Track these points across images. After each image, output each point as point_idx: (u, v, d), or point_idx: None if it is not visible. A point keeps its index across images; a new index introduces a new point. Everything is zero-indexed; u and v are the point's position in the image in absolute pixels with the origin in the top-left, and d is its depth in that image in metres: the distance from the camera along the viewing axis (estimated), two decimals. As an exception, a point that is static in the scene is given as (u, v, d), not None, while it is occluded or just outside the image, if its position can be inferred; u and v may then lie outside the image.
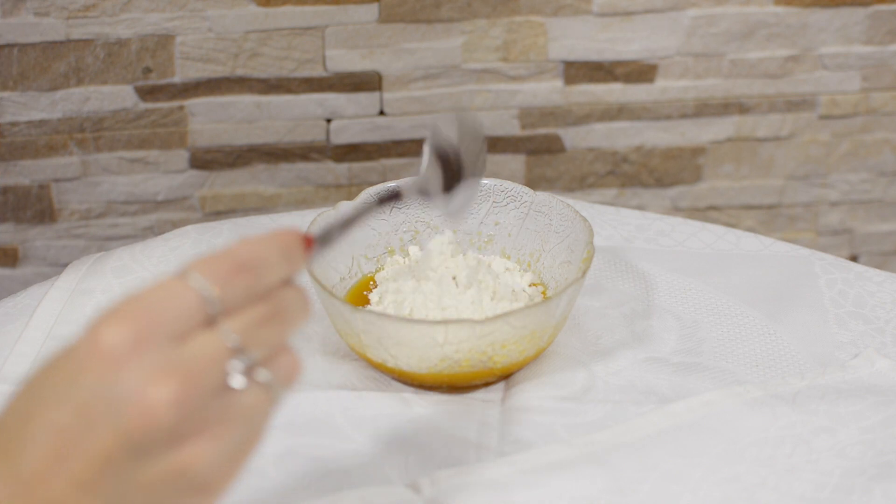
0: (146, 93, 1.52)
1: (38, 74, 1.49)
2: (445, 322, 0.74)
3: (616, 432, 0.74)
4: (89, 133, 1.53)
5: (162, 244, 0.95)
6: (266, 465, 0.72)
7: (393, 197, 0.67)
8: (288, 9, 1.49)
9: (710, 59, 1.56)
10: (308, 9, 1.49)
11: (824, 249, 1.68)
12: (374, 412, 0.76)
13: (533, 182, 1.62)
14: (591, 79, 1.57)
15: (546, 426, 0.75)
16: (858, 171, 1.65)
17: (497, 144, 1.60)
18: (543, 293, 0.86)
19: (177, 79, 1.51)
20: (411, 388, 0.79)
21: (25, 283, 1.59)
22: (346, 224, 0.61)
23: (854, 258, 1.71)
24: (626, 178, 1.64)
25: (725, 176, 1.65)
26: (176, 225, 1.59)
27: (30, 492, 0.45)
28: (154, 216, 1.60)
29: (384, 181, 0.90)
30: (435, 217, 0.90)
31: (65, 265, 1.52)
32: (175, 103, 1.53)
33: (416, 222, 0.90)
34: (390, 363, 0.77)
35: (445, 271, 0.81)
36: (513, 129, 1.59)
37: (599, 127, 1.60)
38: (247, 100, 1.53)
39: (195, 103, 1.53)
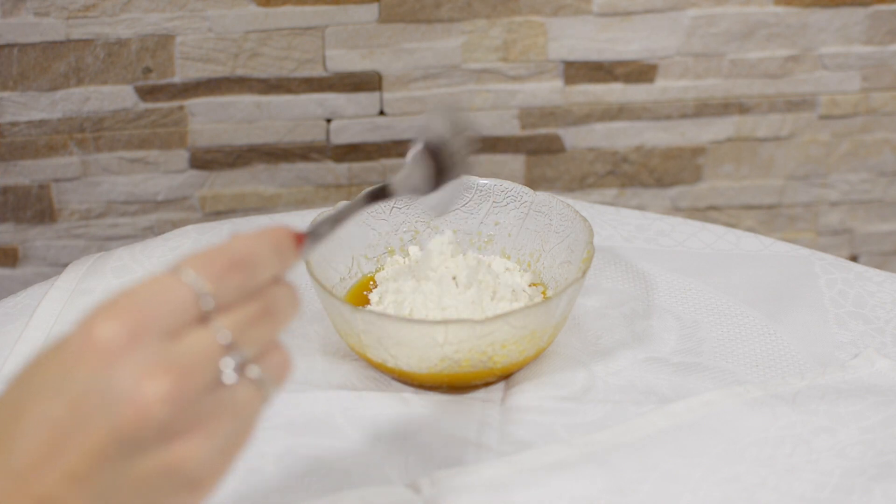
0: (146, 93, 1.52)
1: (38, 74, 1.49)
2: (445, 322, 0.74)
3: (616, 432, 0.74)
4: (89, 133, 1.53)
5: (162, 244, 0.95)
6: (266, 464, 0.72)
7: (382, 194, 0.67)
8: (288, 9, 1.49)
9: (710, 59, 1.56)
10: (308, 9, 1.49)
11: (824, 249, 1.68)
12: (374, 412, 0.76)
13: (533, 182, 1.62)
14: (591, 79, 1.57)
15: (546, 426, 0.75)
16: (858, 171, 1.66)
17: (497, 144, 1.60)
18: (543, 293, 0.86)
19: (177, 79, 1.51)
20: (411, 388, 0.79)
21: (25, 283, 1.59)
22: (337, 220, 0.61)
23: (854, 258, 1.71)
24: (626, 178, 1.64)
25: (725, 176, 1.65)
26: (176, 225, 1.59)
27: (22, 484, 0.45)
28: (154, 216, 1.60)
29: (384, 181, 0.90)
30: (435, 217, 0.90)
31: (65, 265, 1.52)
32: (175, 103, 1.53)
33: (416, 222, 0.90)
34: (390, 363, 0.77)
35: (445, 271, 0.81)
36: (513, 129, 1.59)
37: (599, 127, 1.60)
38: (247, 100, 1.53)
39: (195, 103, 1.53)
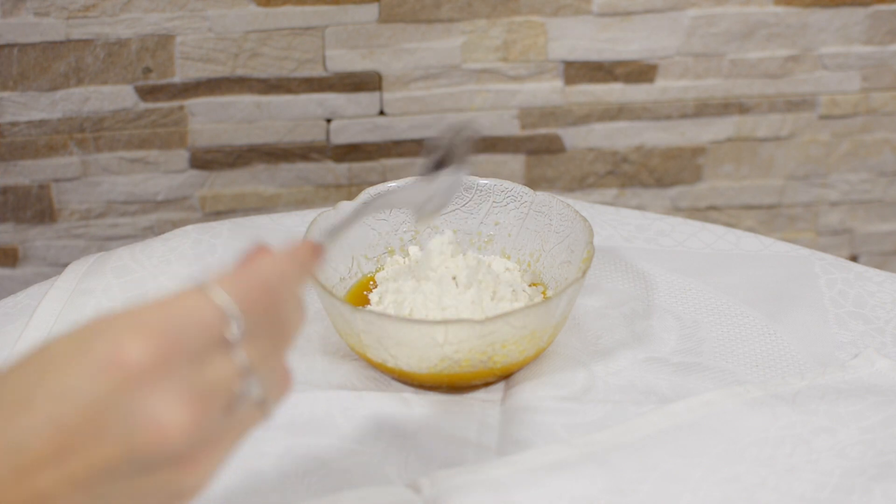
0: (146, 93, 1.52)
1: (38, 74, 1.49)
2: (445, 322, 0.74)
3: (616, 432, 0.74)
4: (89, 133, 1.53)
5: (162, 244, 0.95)
6: (266, 464, 0.72)
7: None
8: (288, 9, 1.49)
9: (710, 59, 1.56)
10: (308, 9, 1.49)
11: (824, 249, 1.68)
12: (374, 412, 0.76)
13: (533, 182, 1.62)
14: (591, 79, 1.57)
15: (546, 426, 0.75)
16: (858, 171, 1.66)
17: (497, 144, 1.60)
18: (543, 293, 0.86)
19: (177, 79, 1.51)
20: (411, 388, 0.79)
21: (25, 283, 1.59)
22: (345, 225, 0.61)
23: (854, 258, 1.71)
24: (626, 178, 1.64)
25: (725, 176, 1.65)
26: (176, 225, 1.59)
27: (21, 477, 0.45)
28: (154, 216, 1.60)
29: (384, 181, 0.91)
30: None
31: (65, 265, 1.52)
32: (175, 103, 1.53)
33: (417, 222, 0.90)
34: (390, 363, 0.77)
35: (445, 271, 0.81)
36: (513, 129, 1.59)
37: (599, 127, 1.60)
38: (247, 100, 1.53)
39: (195, 103, 1.53)
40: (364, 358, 0.79)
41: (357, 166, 1.59)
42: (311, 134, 1.57)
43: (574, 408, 0.77)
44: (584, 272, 0.79)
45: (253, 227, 0.98)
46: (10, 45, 1.47)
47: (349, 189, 1.60)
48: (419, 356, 0.76)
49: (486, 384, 0.80)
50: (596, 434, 0.73)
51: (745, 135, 1.62)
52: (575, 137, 1.60)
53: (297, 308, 0.52)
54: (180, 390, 0.46)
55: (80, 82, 1.50)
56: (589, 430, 0.74)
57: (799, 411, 0.75)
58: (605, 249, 0.94)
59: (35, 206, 1.57)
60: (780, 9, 1.53)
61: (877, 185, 1.67)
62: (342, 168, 1.59)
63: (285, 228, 0.98)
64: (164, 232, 1.12)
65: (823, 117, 1.61)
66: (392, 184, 0.89)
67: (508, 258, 0.90)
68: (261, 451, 0.73)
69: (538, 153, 1.61)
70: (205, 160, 1.57)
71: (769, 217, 1.68)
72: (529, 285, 0.86)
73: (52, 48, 1.48)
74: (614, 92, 1.58)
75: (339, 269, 0.86)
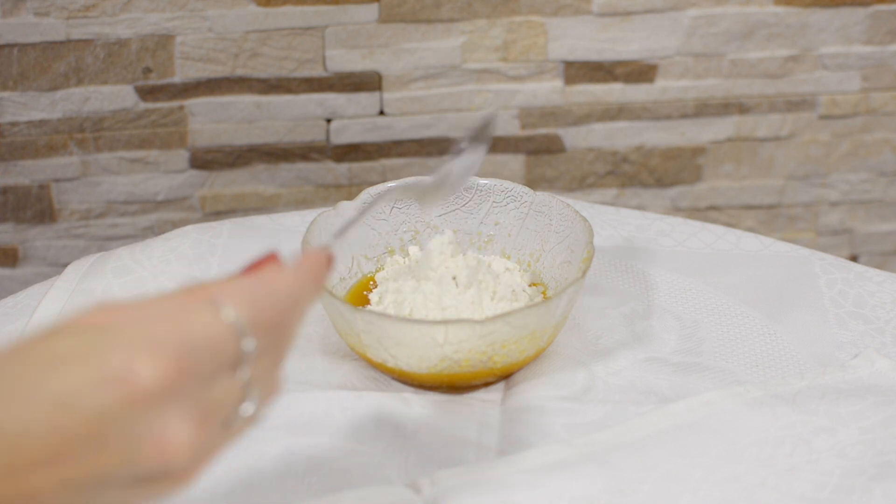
0: (146, 93, 1.52)
1: (38, 74, 1.49)
2: (445, 322, 0.74)
3: (616, 432, 0.74)
4: (89, 133, 1.53)
5: (162, 244, 0.95)
6: (266, 464, 0.72)
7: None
8: (288, 9, 1.49)
9: (710, 59, 1.56)
10: (308, 9, 1.49)
11: (824, 249, 1.68)
12: (374, 412, 0.76)
13: (533, 182, 1.62)
14: (591, 79, 1.57)
15: (546, 426, 0.75)
16: (858, 171, 1.66)
17: (497, 144, 1.60)
18: (543, 293, 0.86)
19: (177, 79, 1.51)
20: (411, 388, 0.79)
21: (25, 283, 1.59)
22: (349, 226, 0.61)
23: (854, 258, 1.71)
24: (626, 178, 1.64)
25: (725, 176, 1.65)
26: (176, 225, 1.59)
27: (14, 475, 0.45)
28: (154, 216, 1.60)
29: (384, 181, 0.90)
30: (435, 217, 0.90)
31: (65, 265, 1.52)
32: (175, 103, 1.53)
33: (416, 222, 0.90)
34: (390, 363, 0.77)
35: (445, 271, 0.81)
36: (513, 129, 1.59)
37: (599, 127, 1.60)
38: (247, 100, 1.53)
39: (195, 103, 1.53)
40: (364, 358, 0.79)
41: (357, 166, 1.59)
42: (311, 134, 1.57)
43: (574, 408, 0.77)
44: (584, 272, 0.79)
45: (253, 227, 0.98)
46: (10, 45, 1.47)
47: (349, 189, 1.60)
48: (419, 356, 0.76)
49: (486, 384, 0.80)
50: (596, 434, 0.73)
51: (745, 135, 1.62)
52: (575, 137, 1.60)
53: (301, 324, 0.52)
54: (187, 411, 0.47)
55: (80, 82, 1.50)
56: (589, 430, 0.74)
57: (799, 411, 0.75)
58: (605, 249, 0.94)
59: (35, 206, 1.57)
60: (780, 9, 1.53)
61: (877, 185, 1.67)
62: (342, 168, 1.59)
63: (285, 228, 0.98)
64: (164, 232, 1.12)
65: (823, 117, 1.61)
66: (391, 184, 0.89)
67: (508, 258, 0.90)
68: (261, 451, 0.73)
69: (538, 153, 1.61)
70: (205, 160, 1.57)
71: (769, 217, 1.68)
72: (529, 285, 0.86)
73: (52, 48, 1.48)
74: (614, 92, 1.58)
75: (339, 269, 0.86)
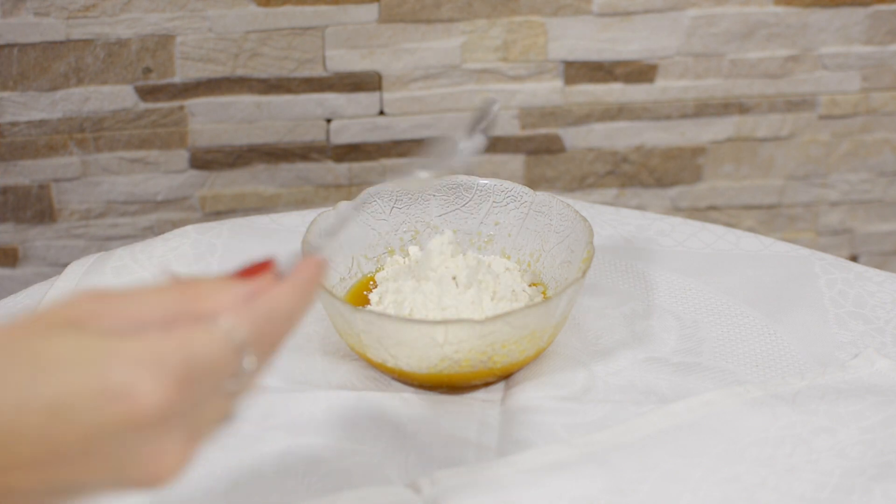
0: (146, 93, 1.52)
1: (38, 74, 1.49)
2: (445, 322, 0.74)
3: (616, 432, 0.74)
4: (89, 133, 1.53)
5: (162, 244, 0.95)
6: (266, 464, 0.72)
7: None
8: (288, 9, 1.49)
9: (710, 59, 1.56)
10: (308, 9, 1.49)
11: (824, 249, 1.68)
12: (374, 412, 0.76)
13: (533, 182, 1.62)
14: (591, 79, 1.57)
15: (546, 426, 0.75)
16: (858, 171, 1.66)
17: (497, 144, 1.60)
18: (543, 293, 0.86)
19: (177, 79, 1.51)
20: (411, 388, 0.79)
21: (25, 283, 1.59)
22: (340, 228, 0.61)
23: (854, 258, 1.71)
24: (626, 178, 1.64)
25: (725, 176, 1.65)
26: (176, 225, 1.59)
27: None
28: (154, 216, 1.60)
29: (384, 181, 0.90)
30: (435, 217, 0.90)
31: (65, 265, 1.52)
32: (175, 103, 1.53)
33: (416, 222, 0.90)
34: (390, 363, 0.77)
35: (445, 271, 0.81)
36: (513, 129, 1.59)
37: (599, 127, 1.60)
38: (247, 100, 1.53)
39: (195, 103, 1.53)
40: (364, 358, 0.79)
41: (357, 166, 1.59)
42: (311, 134, 1.57)
43: (574, 408, 0.77)
44: (584, 272, 0.79)
45: (253, 227, 0.98)
46: (10, 45, 1.47)
47: (349, 189, 1.60)
48: (419, 356, 0.76)
49: (486, 384, 0.80)
50: (596, 434, 0.73)
51: (745, 135, 1.62)
52: (575, 137, 1.60)
53: (293, 333, 0.52)
54: (181, 431, 0.47)
55: (80, 82, 1.50)
56: (589, 430, 0.74)
57: (799, 411, 0.75)
58: (605, 249, 0.94)
59: (35, 206, 1.57)
60: (780, 9, 1.53)
61: (877, 185, 1.67)
62: (342, 168, 1.59)
63: (285, 228, 0.98)
64: (164, 232, 1.12)
65: (823, 117, 1.61)
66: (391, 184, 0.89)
67: (508, 258, 0.90)
68: (261, 451, 0.73)
69: (538, 153, 1.61)
70: (205, 160, 1.57)
71: (769, 217, 1.68)
72: (529, 285, 0.86)
73: (52, 48, 1.48)
74: (614, 92, 1.58)
75: (339, 269, 0.86)
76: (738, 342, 0.84)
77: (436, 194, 0.90)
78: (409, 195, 0.90)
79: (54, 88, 1.50)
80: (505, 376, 0.80)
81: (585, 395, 0.78)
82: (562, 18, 1.52)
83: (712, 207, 1.67)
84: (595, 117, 1.59)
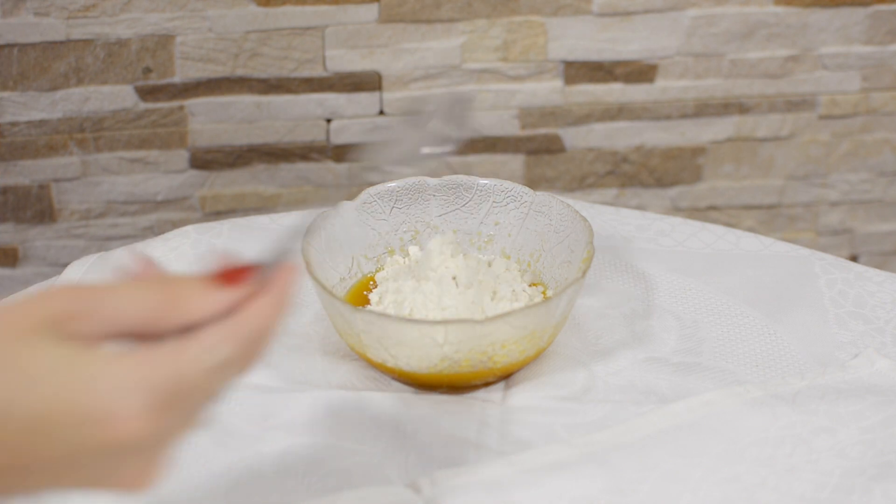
0: (146, 93, 1.52)
1: (38, 74, 1.49)
2: (445, 322, 0.74)
3: (616, 432, 0.74)
4: (89, 133, 1.53)
5: (162, 244, 0.95)
6: (266, 465, 0.72)
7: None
8: (288, 9, 1.49)
9: (710, 59, 1.56)
10: (308, 9, 1.49)
11: (824, 249, 1.68)
12: (374, 412, 0.76)
13: (533, 182, 1.62)
14: (591, 79, 1.57)
15: (546, 426, 0.75)
16: (858, 171, 1.66)
17: (497, 144, 1.60)
18: (543, 293, 0.86)
19: (177, 79, 1.51)
20: (411, 388, 0.79)
21: (25, 283, 1.59)
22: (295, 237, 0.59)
23: (854, 258, 1.71)
24: (626, 178, 1.64)
25: (725, 176, 1.65)
26: (176, 225, 1.59)
27: None
28: (154, 216, 1.60)
29: (384, 181, 0.91)
30: (435, 217, 0.90)
31: (65, 265, 1.52)
32: (175, 103, 1.53)
33: (416, 222, 0.90)
34: (390, 363, 0.77)
35: (445, 271, 0.81)
36: (513, 129, 1.59)
37: (599, 127, 1.60)
38: (247, 100, 1.53)
39: (195, 103, 1.53)
40: (364, 358, 0.79)
41: (357, 166, 1.59)
42: (311, 134, 1.57)
43: (574, 408, 0.77)
44: (584, 272, 0.79)
45: (253, 227, 0.98)
46: (10, 45, 1.47)
47: (349, 189, 1.60)
48: (419, 356, 0.76)
49: (486, 384, 0.80)
50: (596, 434, 0.73)
51: (745, 135, 1.62)
52: (575, 137, 1.60)
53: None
54: (160, 451, 0.47)
55: (80, 82, 1.50)
56: (589, 430, 0.74)
57: (799, 411, 0.75)
58: (605, 249, 0.94)
59: (35, 206, 1.57)
60: (780, 9, 1.53)
61: (877, 185, 1.67)
62: (342, 168, 1.59)
63: (285, 228, 0.98)
64: (164, 232, 1.12)
65: (823, 117, 1.61)
66: (392, 184, 0.89)
67: (508, 258, 0.90)
68: (261, 451, 0.73)
69: (538, 153, 1.61)
70: (205, 160, 1.57)
71: (769, 217, 1.68)
72: (529, 285, 0.86)
73: (52, 48, 1.48)
74: (614, 92, 1.58)
75: (339, 269, 0.86)
76: (738, 342, 0.84)
77: (436, 194, 0.90)
78: (410, 195, 0.90)
79: (54, 88, 1.50)
80: (505, 376, 0.80)
81: (585, 395, 0.78)
82: (562, 18, 1.52)
83: (712, 207, 1.67)
84: (595, 117, 1.59)
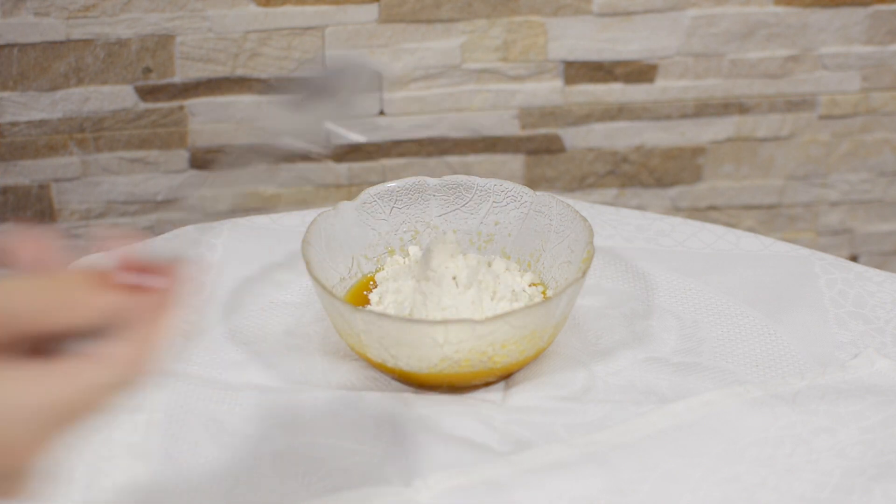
0: (146, 93, 1.52)
1: (38, 74, 1.49)
2: (445, 322, 0.74)
3: (616, 432, 0.74)
4: (89, 133, 1.53)
5: (162, 244, 0.95)
6: (265, 464, 0.72)
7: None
8: (288, 9, 1.49)
9: (710, 59, 1.56)
10: (308, 9, 1.49)
11: (824, 249, 1.68)
12: (374, 412, 0.76)
13: (533, 182, 1.62)
14: (591, 79, 1.57)
15: (546, 426, 0.75)
16: (858, 171, 1.66)
17: (497, 144, 1.60)
18: (543, 293, 0.86)
19: (177, 79, 1.51)
20: (411, 388, 0.79)
21: (25, 283, 1.59)
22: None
23: (854, 258, 1.71)
24: (626, 178, 1.64)
25: (725, 176, 1.65)
26: (176, 225, 1.59)
27: None
28: (154, 216, 1.60)
29: (384, 181, 0.91)
30: (435, 217, 0.90)
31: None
32: (175, 103, 1.53)
33: (416, 222, 0.90)
34: (390, 363, 0.77)
35: (445, 271, 0.81)
36: (513, 129, 1.59)
37: (599, 127, 1.60)
38: (247, 100, 1.53)
39: (195, 103, 1.53)
40: (364, 358, 0.79)
41: (357, 166, 1.59)
42: (311, 134, 1.57)
43: (574, 408, 0.77)
44: (584, 272, 0.79)
45: (253, 227, 0.98)
46: (10, 45, 1.47)
47: (349, 189, 1.60)
48: (419, 356, 0.76)
49: (486, 384, 0.80)
50: (596, 434, 0.73)
51: (745, 135, 1.62)
52: (575, 137, 1.60)
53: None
54: (38, 463, 0.46)
55: (80, 82, 1.50)
56: (589, 430, 0.74)
57: (799, 411, 0.75)
58: (605, 249, 0.94)
59: (35, 206, 1.57)
60: (780, 9, 1.53)
61: (877, 185, 1.67)
62: (342, 168, 1.59)
63: (285, 228, 0.98)
64: (164, 232, 1.12)
65: (823, 117, 1.61)
66: (392, 184, 0.89)
67: (508, 258, 0.90)
68: (260, 450, 0.73)
69: (538, 153, 1.61)
70: (205, 160, 1.57)
71: (769, 217, 1.68)
72: (529, 285, 0.86)
73: (52, 48, 1.48)
74: (614, 92, 1.58)
75: (339, 269, 0.86)
76: (738, 342, 0.84)
77: (436, 194, 0.90)
78: (410, 195, 0.90)
79: (54, 88, 1.50)
80: (505, 376, 0.80)
81: (585, 395, 0.78)
82: (562, 18, 1.52)
83: (712, 207, 1.67)
84: (595, 117, 1.59)
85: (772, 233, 1.68)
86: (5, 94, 1.49)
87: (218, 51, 1.50)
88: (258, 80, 1.52)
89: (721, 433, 0.73)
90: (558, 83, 1.56)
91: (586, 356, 0.82)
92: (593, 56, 1.55)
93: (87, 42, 1.48)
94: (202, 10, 1.47)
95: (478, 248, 0.90)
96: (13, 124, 1.51)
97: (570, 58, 1.55)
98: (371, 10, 1.49)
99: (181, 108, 1.53)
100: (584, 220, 0.84)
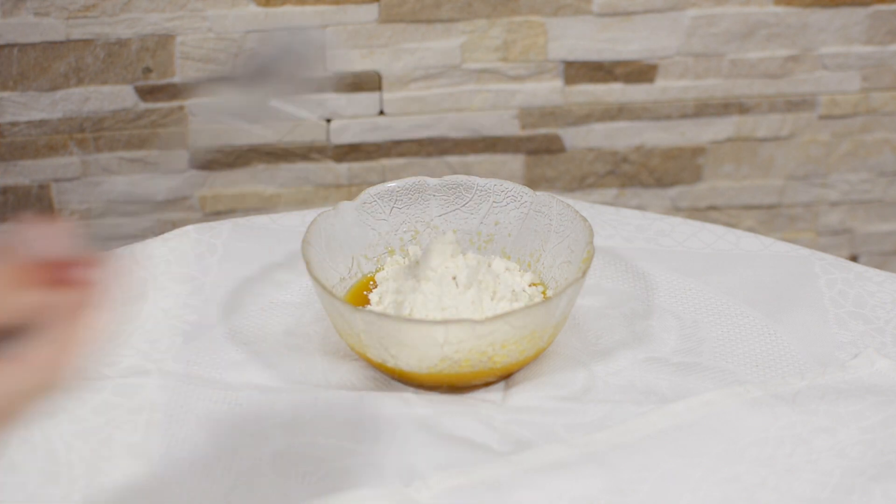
0: (146, 93, 1.52)
1: (38, 74, 1.49)
2: (445, 322, 0.74)
3: (616, 432, 0.74)
4: (89, 133, 1.53)
5: (162, 244, 0.95)
6: (265, 464, 0.72)
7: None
8: (288, 9, 1.49)
9: (710, 59, 1.56)
10: (308, 9, 1.49)
11: (824, 249, 1.68)
12: (374, 412, 0.76)
13: (533, 182, 1.62)
14: (591, 79, 1.57)
15: (546, 426, 0.75)
16: (858, 171, 1.66)
17: (497, 144, 1.60)
18: (543, 293, 0.86)
19: (177, 79, 1.51)
20: (411, 388, 0.79)
21: (25, 283, 1.59)
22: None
23: (854, 258, 1.71)
24: (626, 178, 1.64)
25: (725, 176, 1.65)
26: (176, 225, 1.59)
27: None
28: (154, 216, 1.60)
29: (384, 181, 0.91)
30: (435, 217, 0.90)
31: (65, 265, 1.52)
32: (175, 103, 1.53)
33: (416, 222, 0.90)
34: (390, 363, 0.77)
35: (445, 271, 0.81)
36: (513, 129, 1.59)
37: (599, 127, 1.60)
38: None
39: (195, 103, 1.53)
40: (364, 358, 0.79)
41: (357, 166, 1.59)
42: (311, 134, 1.57)
43: (574, 408, 0.77)
44: (584, 272, 0.79)
45: (253, 227, 0.98)
46: (10, 45, 1.47)
47: (349, 189, 1.60)
48: (419, 356, 0.76)
49: (486, 384, 0.80)
50: (596, 434, 0.73)
51: (745, 135, 1.62)
52: (575, 137, 1.60)
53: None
54: None
55: (80, 82, 1.50)
56: (589, 430, 0.74)
57: (799, 411, 0.75)
58: (605, 249, 0.94)
59: (35, 206, 1.57)
60: (780, 9, 1.53)
61: (877, 185, 1.67)
62: (342, 168, 1.59)
63: (285, 228, 0.98)
64: (164, 232, 1.12)
65: (823, 117, 1.61)
66: (392, 184, 0.89)
67: (508, 258, 0.90)
68: (260, 450, 0.73)
69: (538, 153, 1.61)
70: (205, 160, 1.57)
71: (769, 217, 1.68)
72: (529, 285, 0.86)
73: (52, 48, 1.48)
74: (614, 92, 1.58)
75: (339, 269, 0.86)
76: (738, 342, 0.84)
77: (436, 194, 0.90)
78: (410, 195, 0.90)
79: (54, 88, 1.50)
80: (505, 376, 0.80)
81: (585, 395, 0.78)
82: (562, 18, 1.52)
83: (712, 207, 1.67)
84: (595, 117, 1.59)
85: (772, 233, 1.68)
86: (5, 94, 1.49)
87: (218, 51, 1.50)
88: (258, 80, 1.52)
89: (721, 433, 0.73)
90: (558, 83, 1.56)
91: (586, 356, 0.82)
92: (593, 56, 1.55)
93: (87, 42, 1.48)
94: (202, 10, 1.47)
95: (478, 248, 0.90)
96: (13, 124, 1.51)
97: (570, 58, 1.55)
98: (371, 10, 1.49)
99: (181, 108, 1.53)
100: (584, 220, 0.84)
